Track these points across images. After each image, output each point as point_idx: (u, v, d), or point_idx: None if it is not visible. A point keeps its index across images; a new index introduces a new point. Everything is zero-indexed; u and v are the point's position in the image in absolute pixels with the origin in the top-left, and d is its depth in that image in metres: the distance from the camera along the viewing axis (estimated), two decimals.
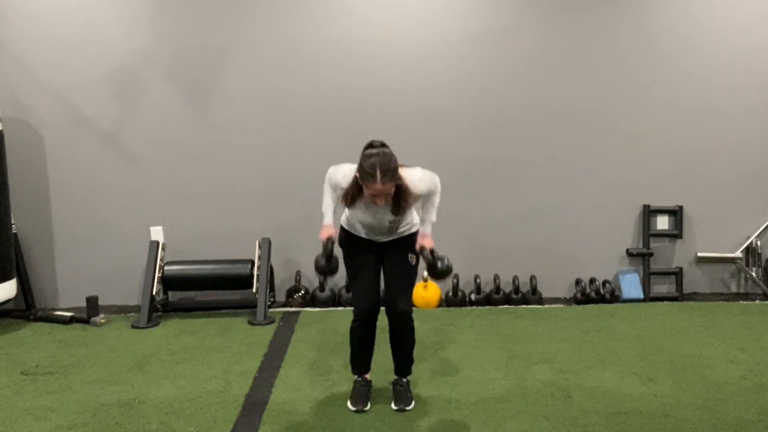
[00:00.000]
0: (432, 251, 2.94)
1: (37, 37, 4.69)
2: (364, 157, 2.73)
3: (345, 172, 2.88)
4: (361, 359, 3.15)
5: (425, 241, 2.98)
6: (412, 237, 3.05)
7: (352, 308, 3.09)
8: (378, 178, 2.67)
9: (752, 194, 5.02)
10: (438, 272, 2.94)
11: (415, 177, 2.87)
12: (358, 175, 2.76)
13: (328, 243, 2.93)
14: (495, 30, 4.82)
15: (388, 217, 2.90)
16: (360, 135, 4.81)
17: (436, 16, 4.80)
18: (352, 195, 2.85)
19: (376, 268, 3.07)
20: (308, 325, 4.31)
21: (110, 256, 4.88)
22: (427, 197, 2.97)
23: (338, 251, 3.02)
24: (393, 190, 2.76)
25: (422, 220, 3.03)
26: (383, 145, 2.78)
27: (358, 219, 2.97)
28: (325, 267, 2.96)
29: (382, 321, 3.09)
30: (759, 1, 4.85)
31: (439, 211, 3.03)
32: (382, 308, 3.07)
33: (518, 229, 5.00)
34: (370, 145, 2.78)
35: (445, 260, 2.93)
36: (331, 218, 3.00)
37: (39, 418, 3.00)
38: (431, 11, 4.80)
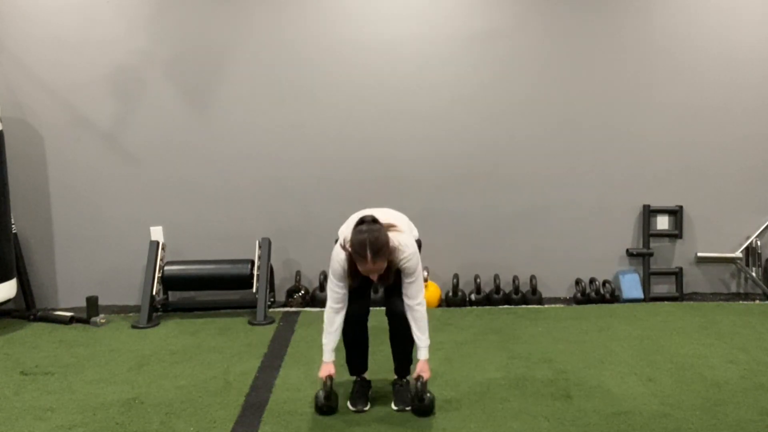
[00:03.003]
0: (425, 384, 2.92)
1: (37, 37, 4.70)
2: (355, 233, 2.74)
3: (345, 257, 2.83)
4: (356, 360, 3.15)
5: (423, 371, 2.94)
6: None
7: None
8: (369, 257, 2.68)
9: (752, 194, 5.02)
10: (419, 408, 2.95)
11: (406, 249, 2.84)
12: (350, 250, 2.75)
13: (328, 381, 2.92)
14: (496, 29, 4.83)
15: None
16: (360, 134, 4.87)
17: (436, 16, 4.80)
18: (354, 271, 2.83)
19: None
20: (308, 325, 4.30)
21: (110, 256, 4.89)
22: (410, 285, 2.91)
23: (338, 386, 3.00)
24: (385, 265, 2.76)
25: (417, 346, 2.96)
26: (374, 221, 2.78)
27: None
28: (325, 405, 2.96)
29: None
30: (759, 1, 4.85)
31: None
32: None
33: (518, 229, 5.00)
34: (361, 221, 2.77)
35: (429, 400, 2.95)
36: (331, 355, 2.95)
37: (39, 418, 2.99)
38: (431, 11, 4.80)
